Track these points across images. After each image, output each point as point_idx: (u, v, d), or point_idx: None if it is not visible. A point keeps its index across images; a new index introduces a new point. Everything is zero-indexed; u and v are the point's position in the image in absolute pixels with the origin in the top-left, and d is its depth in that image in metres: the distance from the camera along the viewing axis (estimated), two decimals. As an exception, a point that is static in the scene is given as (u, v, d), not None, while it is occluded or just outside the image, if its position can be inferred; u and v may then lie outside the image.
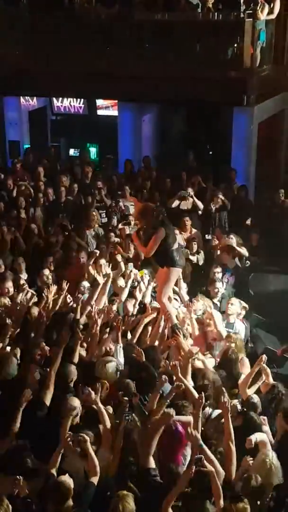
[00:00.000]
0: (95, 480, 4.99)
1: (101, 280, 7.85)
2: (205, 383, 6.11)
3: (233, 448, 5.25)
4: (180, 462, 5.40)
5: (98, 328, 6.88)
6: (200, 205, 11.23)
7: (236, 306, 7.87)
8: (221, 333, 7.27)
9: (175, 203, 11.19)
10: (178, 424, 5.42)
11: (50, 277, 8.49)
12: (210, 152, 16.13)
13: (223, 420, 5.44)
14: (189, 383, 6.07)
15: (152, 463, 5.12)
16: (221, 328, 7.36)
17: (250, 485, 4.92)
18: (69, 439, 5.08)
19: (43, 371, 6.23)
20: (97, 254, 8.32)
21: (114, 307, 7.58)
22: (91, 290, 7.88)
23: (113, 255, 8.98)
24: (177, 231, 9.46)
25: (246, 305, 8.20)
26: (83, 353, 6.80)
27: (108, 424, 5.43)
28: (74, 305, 7.46)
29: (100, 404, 5.49)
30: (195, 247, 9.91)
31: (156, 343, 7.10)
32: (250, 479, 4.94)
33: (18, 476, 4.75)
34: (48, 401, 5.79)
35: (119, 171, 14.28)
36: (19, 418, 5.48)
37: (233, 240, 9.68)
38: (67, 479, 4.85)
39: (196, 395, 5.66)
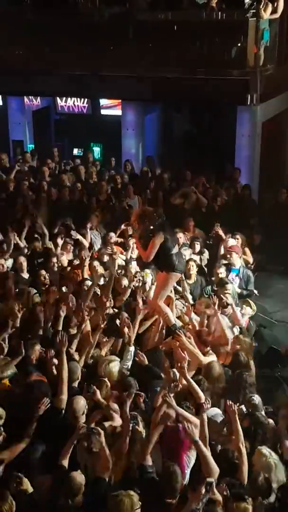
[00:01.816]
0: (106, 475, 4.98)
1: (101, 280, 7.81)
2: (199, 377, 6.10)
3: (244, 450, 5.24)
4: (184, 464, 5.36)
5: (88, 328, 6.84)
6: (204, 201, 11.18)
7: (231, 294, 7.90)
8: (227, 336, 7.20)
9: (178, 200, 11.16)
10: (181, 425, 5.38)
11: (47, 277, 8.41)
12: (214, 151, 16.10)
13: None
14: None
15: (149, 461, 5.08)
16: (228, 332, 7.30)
17: (257, 483, 4.94)
18: (81, 431, 5.08)
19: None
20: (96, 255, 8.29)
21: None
22: (86, 292, 7.66)
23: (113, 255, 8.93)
24: (180, 234, 9.48)
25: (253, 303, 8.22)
26: (76, 357, 6.65)
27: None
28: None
29: None
30: (197, 247, 9.85)
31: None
32: (257, 477, 4.96)
33: (19, 474, 4.75)
34: (63, 406, 5.71)
35: (122, 170, 14.28)
36: (34, 423, 5.42)
37: (238, 240, 9.64)
38: (78, 475, 4.85)
39: (203, 398, 5.61)
